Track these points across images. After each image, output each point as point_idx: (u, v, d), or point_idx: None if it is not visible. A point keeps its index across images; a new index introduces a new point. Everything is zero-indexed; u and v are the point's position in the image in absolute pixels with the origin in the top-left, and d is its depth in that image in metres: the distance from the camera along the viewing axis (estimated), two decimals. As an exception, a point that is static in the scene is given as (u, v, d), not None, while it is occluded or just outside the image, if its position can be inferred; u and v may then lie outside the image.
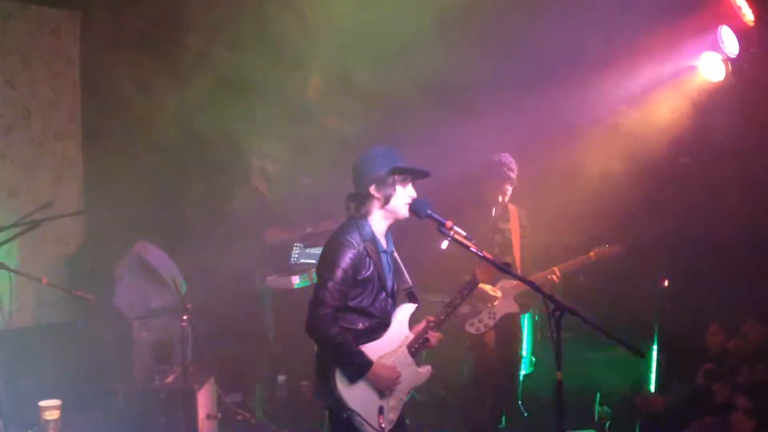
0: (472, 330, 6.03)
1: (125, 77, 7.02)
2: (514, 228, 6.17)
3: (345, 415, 3.82)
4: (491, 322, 6.01)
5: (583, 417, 6.23)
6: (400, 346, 4.03)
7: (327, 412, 3.95)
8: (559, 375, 3.51)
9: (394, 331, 4.03)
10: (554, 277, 6.03)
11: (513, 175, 6.03)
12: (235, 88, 7.12)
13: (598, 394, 6.38)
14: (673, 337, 6.43)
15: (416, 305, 4.10)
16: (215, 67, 7.15)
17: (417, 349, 4.07)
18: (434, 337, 4.09)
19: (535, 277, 5.87)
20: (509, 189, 6.08)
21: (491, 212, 6.14)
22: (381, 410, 3.90)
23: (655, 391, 6.45)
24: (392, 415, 3.98)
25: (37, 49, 6.68)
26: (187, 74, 7.07)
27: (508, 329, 6.12)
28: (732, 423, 5.08)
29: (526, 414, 6.87)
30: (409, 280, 4.13)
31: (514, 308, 6.12)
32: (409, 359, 4.04)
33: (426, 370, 4.13)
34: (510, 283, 5.96)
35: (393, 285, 4.08)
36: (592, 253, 6.15)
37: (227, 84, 7.11)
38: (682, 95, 6.48)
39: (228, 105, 7.16)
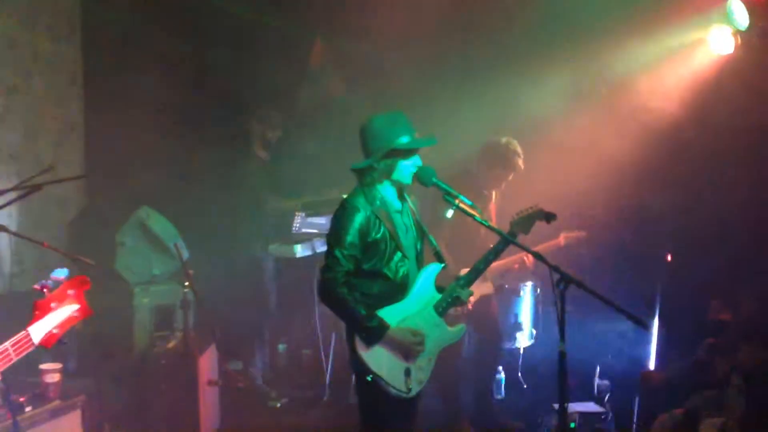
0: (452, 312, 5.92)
1: (129, 39, 6.97)
2: (493, 208, 6.13)
3: (369, 379, 3.84)
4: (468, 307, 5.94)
5: (583, 390, 6.25)
6: (425, 307, 4.00)
7: (355, 376, 3.96)
8: (562, 346, 3.51)
9: (418, 292, 4.00)
10: (527, 259, 6.01)
11: (521, 164, 5.90)
12: (239, 50, 7.08)
13: (598, 368, 6.40)
14: (675, 311, 6.43)
15: (442, 265, 4.07)
16: (221, 28, 7.09)
17: (445, 308, 4.02)
18: (464, 294, 4.04)
19: (508, 260, 5.93)
20: (511, 176, 6.01)
21: (490, 197, 6.06)
22: (408, 372, 3.89)
23: (656, 365, 6.45)
24: (421, 376, 3.96)
25: (38, 11, 6.61)
26: (192, 35, 7.00)
27: (484, 310, 6.07)
28: (727, 399, 5.10)
29: (525, 386, 6.91)
30: (434, 241, 4.11)
31: (489, 289, 6.11)
32: (437, 318, 4.01)
33: (458, 329, 4.11)
34: None
35: (416, 245, 4.07)
36: (561, 238, 6.14)
37: (231, 47, 7.06)
38: (690, 69, 6.42)
39: (232, 69, 7.12)
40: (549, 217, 4.06)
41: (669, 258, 6.62)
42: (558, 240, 6.13)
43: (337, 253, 3.83)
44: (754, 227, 6.15)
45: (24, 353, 2.96)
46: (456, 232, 5.68)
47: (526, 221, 4.17)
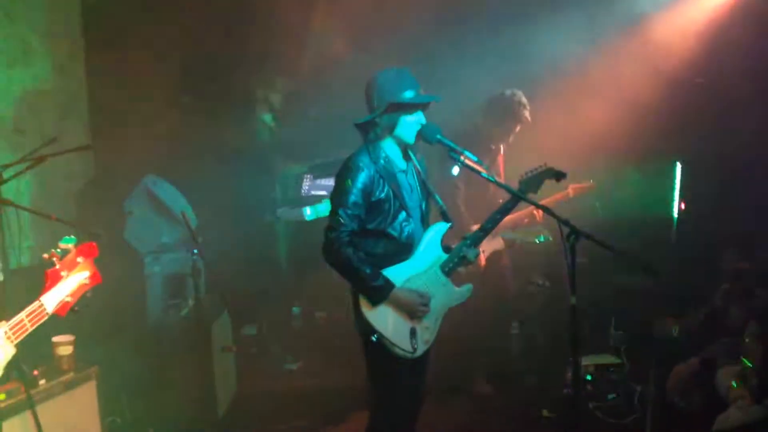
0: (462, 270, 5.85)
1: (129, 7, 6.88)
2: (501, 162, 6.06)
3: (373, 339, 3.81)
4: (480, 265, 5.90)
5: (599, 342, 6.23)
6: (431, 266, 3.96)
7: (361, 338, 3.91)
8: (573, 300, 3.49)
9: (424, 251, 3.96)
10: (536, 213, 5.94)
11: (528, 116, 5.83)
12: (241, 14, 6.98)
13: (613, 319, 6.37)
14: (690, 258, 6.37)
15: (449, 224, 4.02)
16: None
17: (452, 268, 3.98)
18: (471, 253, 3.99)
19: (517, 214, 5.85)
20: (518, 128, 5.92)
21: (498, 151, 5.99)
22: (413, 332, 3.87)
23: (671, 314, 6.41)
24: (427, 336, 3.94)
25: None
26: (194, 2, 6.90)
27: (496, 266, 6.03)
28: (744, 346, 5.07)
29: (540, 340, 6.89)
30: (440, 200, 4.06)
31: (500, 245, 6.07)
32: (443, 278, 3.97)
33: (465, 289, 4.06)
34: None
35: (421, 205, 4.03)
36: (569, 190, 6.08)
37: (233, 11, 6.97)
38: (697, 12, 6.31)
39: (234, 34, 7.04)
40: (559, 175, 3.99)
41: (683, 207, 6.54)
42: (567, 191, 6.07)
43: (341, 212, 3.78)
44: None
45: (39, 323, 2.98)
46: (467, 188, 5.65)
47: (535, 180, 4.12)
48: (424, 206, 4.05)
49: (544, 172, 4.09)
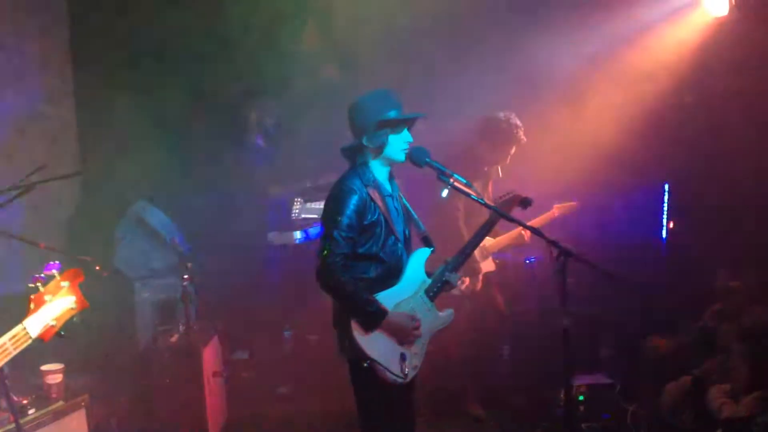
0: (456, 292, 5.78)
1: (118, 33, 6.90)
2: (491, 185, 6.08)
3: (365, 365, 3.77)
4: (476, 285, 5.90)
5: (590, 361, 6.23)
6: (417, 292, 3.94)
7: (348, 365, 3.87)
8: (565, 322, 3.49)
9: (411, 277, 3.94)
10: (524, 234, 5.94)
11: (523, 136, 5.82)
12: (231, 38, 7.01)
13: (605, 338, 6.38)
14: (679, 278, 6.39)
15: (431, 249, 4.00)
16: (211, 17, 7.02)
17: (436, 292, 3.97)
18: (453, 278, 3.99)
19: (505, 236, 5.90)
20: (514, 150, 5.93)
21: (491, 174, 6.00)
22: (403, 357, 3.84)
23: (662, 333, 6.43)
24: (416, 361, 3.91)
25: (24, 10, 6.55)
26: (182, 25, 6.92)
27: (485, 287, 6.01)
28: (730, 366, 5.08)
29: (530, 361, 6.88)
30: (422, 225, 4.05)
31: (490, 267, 6.06)
32: (428, 304, 3.96)
33: (447, 313, 4.04)
34: (488, 241, 5.86)
35: (404, 230, 4.01)
36: (554, 209, 6.10)
37: (223, 35, 6.99)
38: (685, 32, 6.36)
39: (225, 58, 7.06)
40: (525, 203, 4.02)
41: (671, 225, 6.57)
42: (551, 212, 6.09)
43: (336, 235, 3.73)
44: (757, 191, 6.11)
45: (22, 347, 3.00)
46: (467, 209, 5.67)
47: (505, 206, 4.14)
48: (407, 231, 4.05)
49: (511, 199, 4.12)
